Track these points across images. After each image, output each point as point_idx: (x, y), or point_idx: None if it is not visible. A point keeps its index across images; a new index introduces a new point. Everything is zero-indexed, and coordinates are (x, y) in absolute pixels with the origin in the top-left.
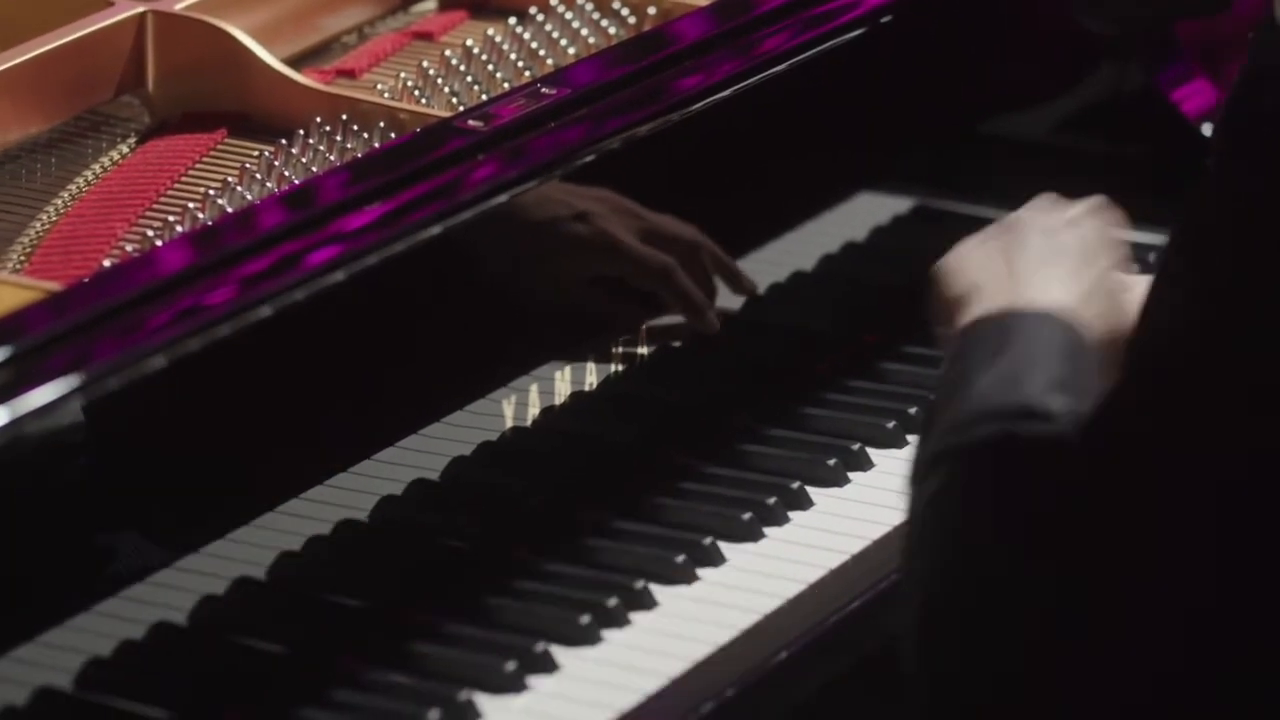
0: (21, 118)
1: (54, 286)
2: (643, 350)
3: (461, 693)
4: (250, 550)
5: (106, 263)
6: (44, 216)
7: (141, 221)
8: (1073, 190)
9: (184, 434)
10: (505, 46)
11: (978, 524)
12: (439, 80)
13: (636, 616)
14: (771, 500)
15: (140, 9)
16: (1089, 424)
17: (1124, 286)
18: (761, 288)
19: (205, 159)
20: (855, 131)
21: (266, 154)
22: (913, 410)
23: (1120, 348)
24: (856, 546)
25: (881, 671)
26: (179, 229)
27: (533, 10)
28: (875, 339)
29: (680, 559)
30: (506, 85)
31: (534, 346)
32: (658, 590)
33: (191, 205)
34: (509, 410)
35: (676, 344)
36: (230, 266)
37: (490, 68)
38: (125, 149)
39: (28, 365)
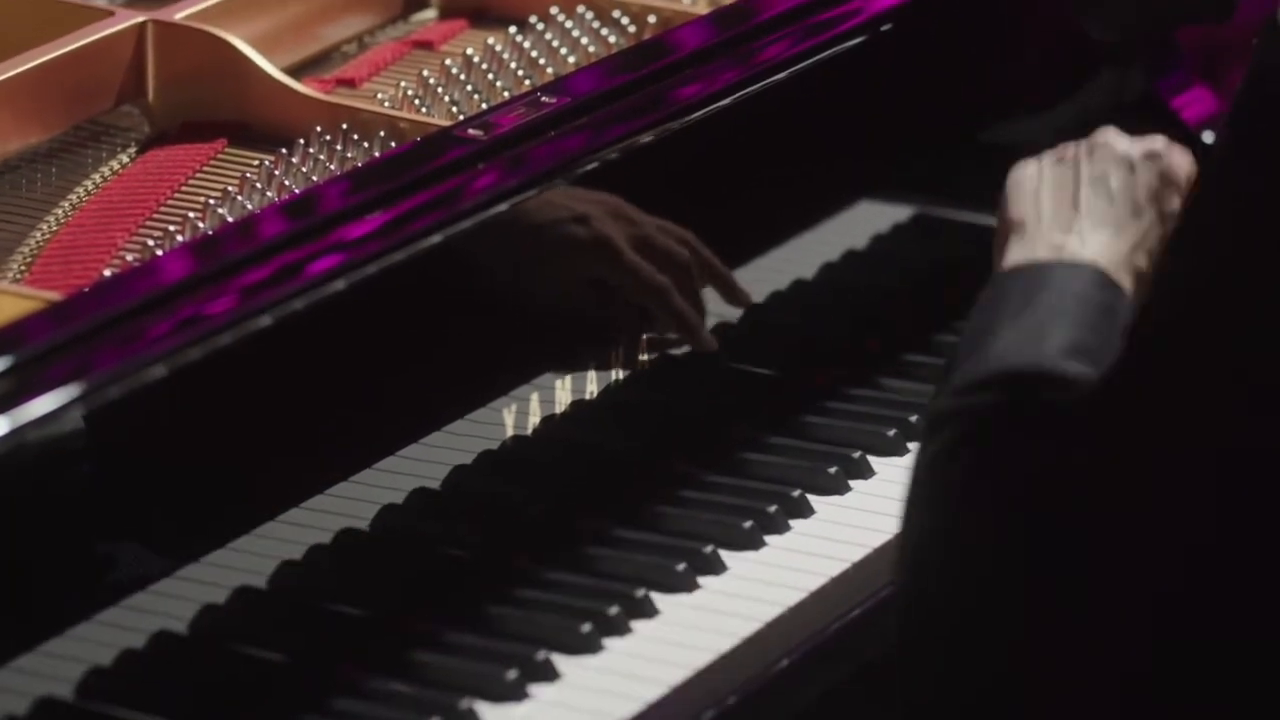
0: (21, 128)
1: (54, 296)
2: (643, 359)
3: (463, 701)
4: (251, 559)
5: (107, 272)
6: (44, 226)
7: (142, 231)
8: None
9: (185, 443)
10: (505, 55)
11: (973, 493)
12: (439, 89)
13: (638, 625)
14: (772, 508)
15: (140, 19)
16: (1085, 406)
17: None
18: (762, 296)
19: (205, 168)
20: (856, 140)
21: (267, 163)
22: (913, 418)
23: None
24: (857, 554)
25: (882, 679)
26: (179, 238)
27: (533, 19)
28: (876, 347)
29: (681, 567)
30: (507, 94)
31: (534, 355)
32: (659, 598)
33: (192, 215)
34: (510, 419)
35: (677, 352)
36: (231, 276)
37: (490, 76)
38: (125, 158)
39: (28, 375)
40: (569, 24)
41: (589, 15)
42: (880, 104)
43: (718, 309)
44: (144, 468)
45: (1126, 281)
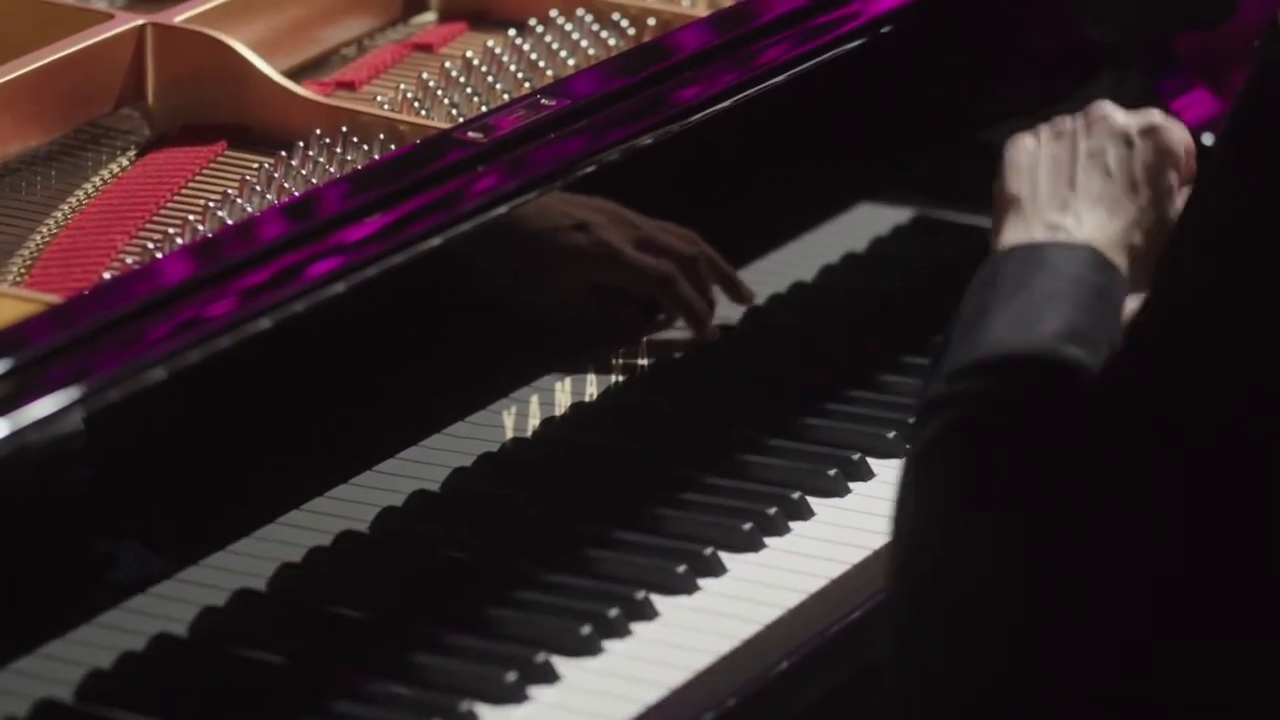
0: (21, 131)
1: (54, 299)
2: (643, 361)
3: (462, 703)
4: (251, 562)
5: (107, 275)
6: (44, 229)
7: (141, 234)
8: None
9: (185, 446)
10: (505, 58)
11: (967, 484)
12: (439, 92)
13: (637, 627)
14: (772, 510)
15: (140, 21)
16: (1084, 402)
17: (1163, 223)
18: (761, 298)
19: (205, 171)
20: (855, 142)
21: (266, 166)
22: (913, 421)
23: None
24: (857, 556)
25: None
26: (179, 241)
27: (532, 22)
28: (876, 349)
29: (681, 569)
30: (506, 97)
31: (534, 357)
32: (658, 600)
33: (191, 217)
34: (509, 421)
35: (676, 355)
36: (231, 278)
37: (490, 79)
38: (125, 161)
39: (28, 377)
40: (568, 27)
41: (588, 18)
42: (880, 106)
43: (720, 309)
44: (144, 470)
45: (1122, 261)
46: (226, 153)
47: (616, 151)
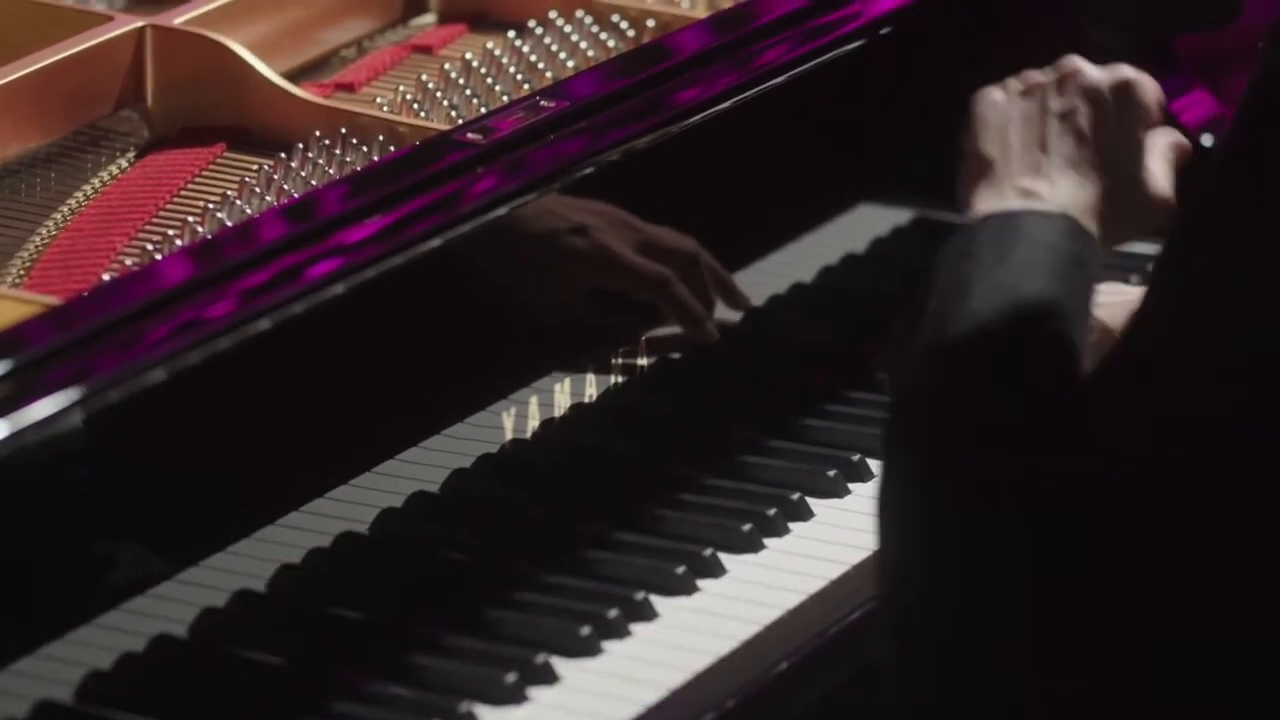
0: (20, 132)
1: (54, 300)
2: (642, 362)
3: (462, 704)
4: (250, 563)
5: (106, 276)
6: (43, 231)
7: (141, 235)
8: None
9: (184, 447)
10: (504, 60)
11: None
12: (438, 93)
13: (637, 628)
14: (772, 511)
15: (139, 23)
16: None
17: (1133, 183)
18: (761, 299)
19: (204, 173)
20: (855, 143)
21: (265, 168)
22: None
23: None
24: (857, 557)
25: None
26: (179, 242)
27: (532, 23)
28: (875, 349)
29: (680, 570)
30: (505, 98)
31: (533, 358)
32: (658, 601)
33: (191, 219)
34: (509, 422)
35: (676, 355)
36: (230, 280)
37: (489, 81)
38: (124, 163)
39: (28, 379)
40: (568, 28)
41: (588, 20)
42: (880, 107)
43: (719, 312)
44: (144, 471)
45: (1094, 226)
46: (226, 154)
47: (616, 153)
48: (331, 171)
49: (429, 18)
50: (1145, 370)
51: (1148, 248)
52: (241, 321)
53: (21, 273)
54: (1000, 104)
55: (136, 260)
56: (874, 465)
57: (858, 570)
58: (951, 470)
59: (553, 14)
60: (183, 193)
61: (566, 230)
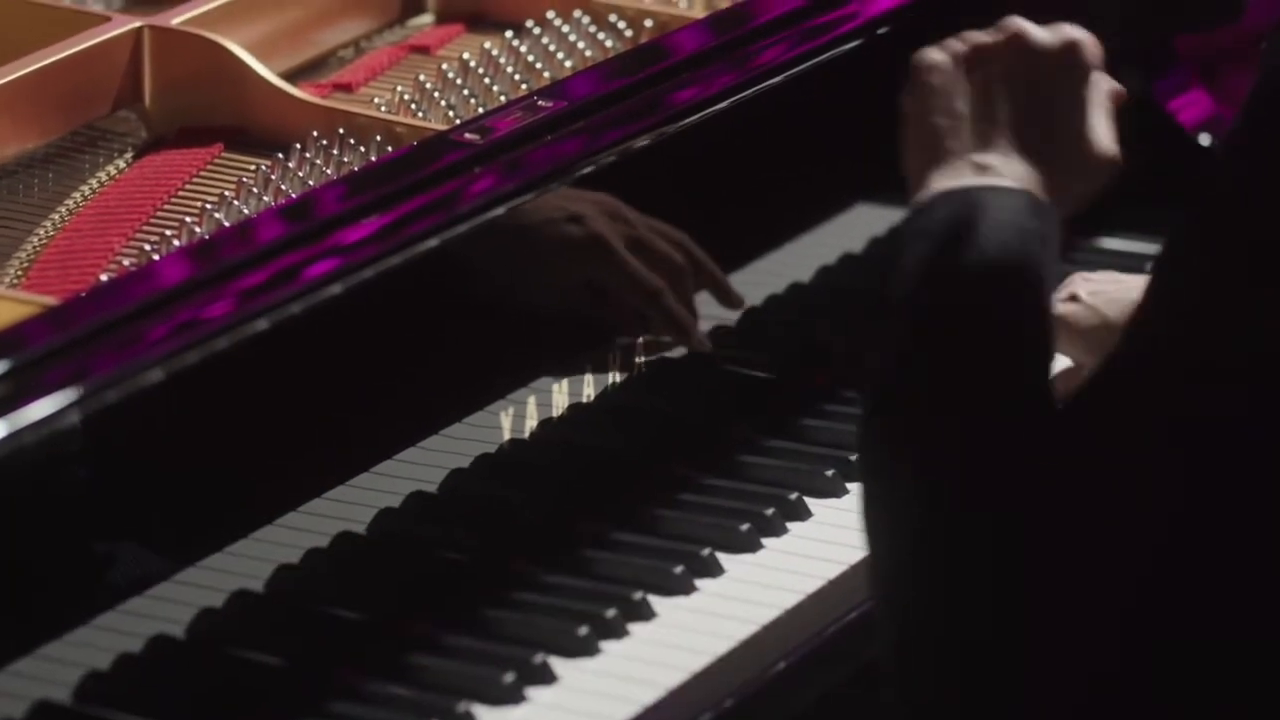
0: (18, 133)
1: (52, 301)
2: (640, 361)
3: (460, 704)
4: (248, 563)
5: (104, 277)
6: (41, 231)
7: (139, 236)
8: None
9: (182, 447)
10: (502, 60)
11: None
12: (436, 94)
13: (635, 628)
14: (770, 511)
15: (137, 24)
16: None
17: (1079, 140)
18: (759, 299)
19: (202, 173)
20: (852, 143)
21: (263, 168)
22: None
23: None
24: (855, 557)
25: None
26: (176, 243)
27: (529, 24)
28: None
29: (678, 570)
30: (503, 98)
31: (531, 358)
32: (656, 601)
33: (189, 219)
34: (507, 422)
35: (674, 355)
36: (228, 280)
37: (487, 81)
38: (122, 164)
39: (26, 379)
40: (565, 28)
41: (585, 20)
42: (877, 107)
43: (715, 312)
44: (141, 471)
45: (1049, 196)
46: (223, 155)
47: (614, 153)
48: (329, 172)
49: (426, 18)
50: (1145, 370)
51: (1148, 248)
52: (239, 322)
53: (19, 273)
54: (945, 68)
55: (134, 260)
56: None
57: (856, 570)
58: (931, 466)
59: (550, 14)
60: (180, 193)
61: (563, 220)
